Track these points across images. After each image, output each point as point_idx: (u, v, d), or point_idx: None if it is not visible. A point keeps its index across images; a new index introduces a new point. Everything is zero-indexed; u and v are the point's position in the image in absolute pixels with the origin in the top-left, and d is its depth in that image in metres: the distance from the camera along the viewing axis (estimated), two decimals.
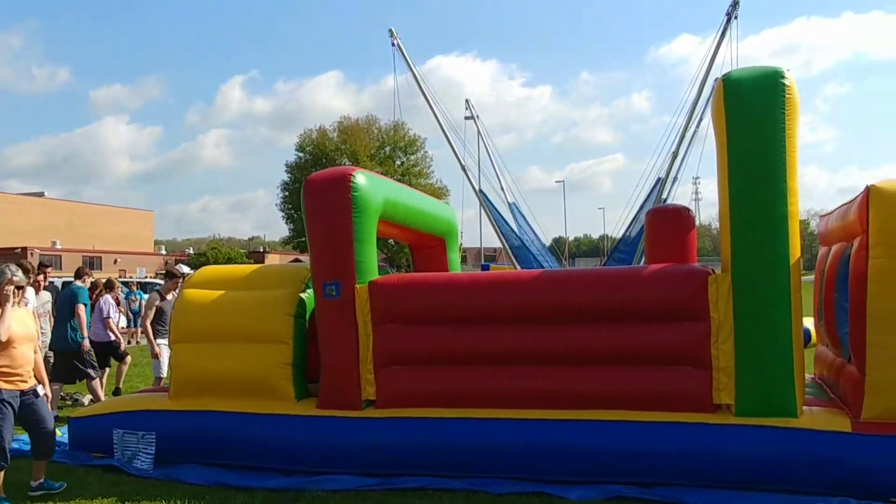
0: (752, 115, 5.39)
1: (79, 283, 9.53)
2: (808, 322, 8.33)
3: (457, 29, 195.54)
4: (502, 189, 30.67)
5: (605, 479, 5.56)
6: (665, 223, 7.30)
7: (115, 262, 58.81)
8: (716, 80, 5.74)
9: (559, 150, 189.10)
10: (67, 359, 9.05)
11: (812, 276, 7.57)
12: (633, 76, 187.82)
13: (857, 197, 5.68)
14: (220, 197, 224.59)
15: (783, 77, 5.40)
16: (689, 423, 5.54)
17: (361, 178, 6.23)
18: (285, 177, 60.59)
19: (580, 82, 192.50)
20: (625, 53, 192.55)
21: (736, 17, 24.29)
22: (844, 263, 5.96)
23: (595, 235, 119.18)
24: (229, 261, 57.11)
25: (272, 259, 68.54)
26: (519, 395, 5.92)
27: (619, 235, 28.06)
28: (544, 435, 5.73)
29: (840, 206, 6.48)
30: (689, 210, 7.42)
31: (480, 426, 5.89)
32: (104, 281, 11.12)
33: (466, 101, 33.16)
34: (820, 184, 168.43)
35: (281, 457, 6.21)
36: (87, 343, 9.10)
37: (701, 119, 24.47)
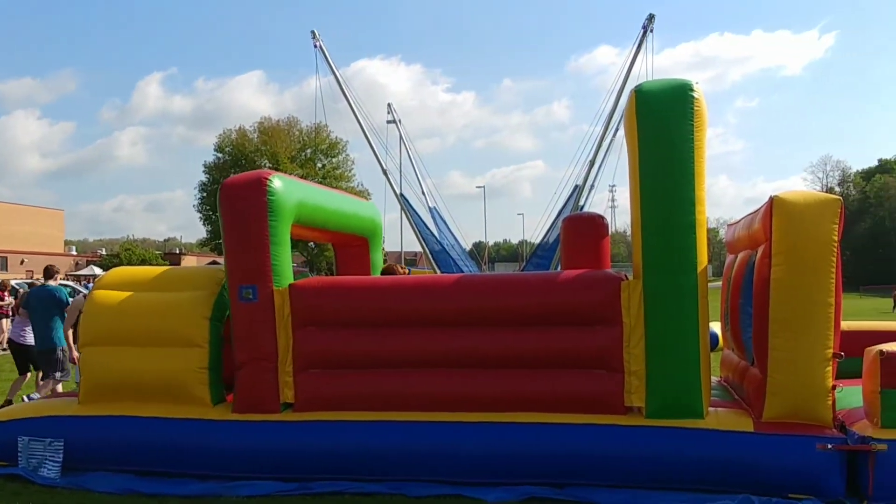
0: (662, 125, 5.56)
1: (52, 283, 9.66)
2: (717, 327, 8.62)
3: (382, 32, 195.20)
4: (423, 193, 30.85)
5: (521, 481, 5.66)
6: (580, 230, 7.46)
7: (22, 262, 56.86)
8: (632, 90, 5.92)
9: (481, 155, 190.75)
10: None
11: (720, 283, 7.85)
12: (554, 84, 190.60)
13: (761, 207, 5.93)
14: (135, 196, 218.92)
15: (692, 90, 5.59)
16: (601, 424, 5.69)
17: (278, 181, 6.22)
18: (203, 177, 59.72)
19: (503, 89, 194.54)
20: (546, 62, 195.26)
21: (651, 31, 25.04)
22: (749, 270, 6.20)
23: (514, 241, 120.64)
24: (143, 262, 55.73)
25: (189, 261, 67.28)
26: (437, 398, 5.97)
27: (538, 241, 28.51)
28: (461, 438, 5.81)
29: (746, 216, 6.74)
30: (602, 217, 7.61)
31: (399, 429, 5.93)
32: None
33: (389, 104, 33.26)
34: (729, 193, 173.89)
35: (196, 462, 6.13)
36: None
37: (617, 129, 25.08)
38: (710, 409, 5.73)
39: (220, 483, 5.92)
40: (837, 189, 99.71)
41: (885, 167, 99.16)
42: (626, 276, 5.88)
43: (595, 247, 7.22)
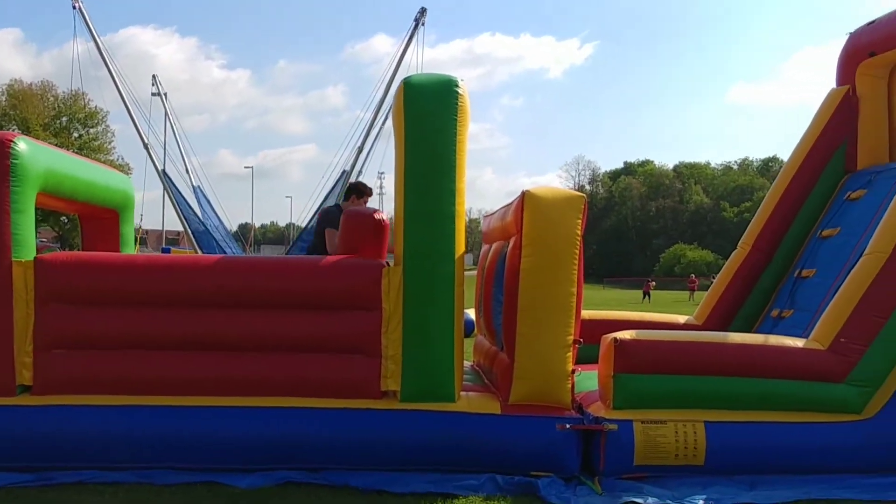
0: (427, 118, 5.73)
1: None
2: (472, 313, 8.97)
3: (158, 1, 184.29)
4: (187, 171, 29.69)
5: (277, 466, 5.63)
6: (356, 217, 7.42)
7: None
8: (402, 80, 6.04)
9: (252, 135, 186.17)
10: None
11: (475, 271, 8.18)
12: (330, 69, 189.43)
13: (514, 200, 6.25)
14: None
15: (457, 86, 5.80)
16: (357, 409, 5.76)
17: (23, 144, 5.75)
18: None
19: (278, 70, 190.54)
20: (324, 47, 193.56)
21: (423, 24, 25.55)
22: (502, 261, 6.52)
23: (282, 223, 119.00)
24: None
25: None
26: (192, 381, 5.81)
27: (304, 225, 28.35)
28: (215, 423, 5.68)
29: (500, 209, 7.08)
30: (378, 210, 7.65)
31: (147, 414, 5.69)
32: None
33: (154, 76, 31.69)
34: (493, 186, 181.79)
35: None
36: None
37: (386, 117, 25.41)
38: (462, 393, 5.97)
39: None
40: (588, 187, 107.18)
41: (629, 169, 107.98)
42: (388, 262, 6.00)
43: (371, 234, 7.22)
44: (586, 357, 6.58)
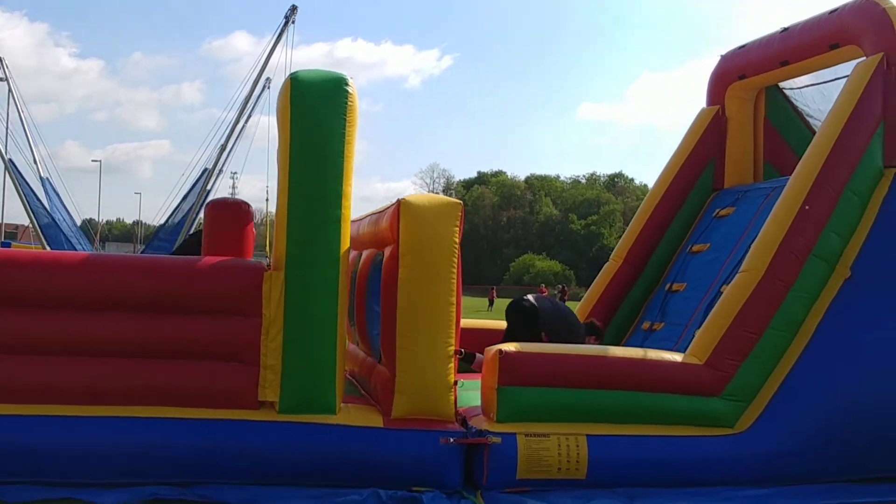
0: (315, 117, 5.50)
1: None
2: None
3: None
4: (35, 162, 27.99)
5: (144, 481, 5.24)
6: (224, 216, 7.11)
7: None
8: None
9: (102, 128, 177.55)
10: None
11: None
12: (186, 65, 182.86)
13: (389, 207, 6.09)
14: None
15: (347, 84, 5.60)
16: (232, 420, 5.44)
17: None
18: None
19: (132, 62, 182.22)
20: (180, 41, 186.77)
21: (293, 23, 25.04)
22: (376, 269, 6.35)
23: (129, 220, 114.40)
24: None
25: None
26: (53, 389, 5.35)
27: (161, 223, 27.22)
28: (76, 434, 5.23)
29: (371, 214, 6.90)
30: (248, 205, 7.35)
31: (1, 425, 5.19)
32: None
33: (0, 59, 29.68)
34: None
35: None
36: None
37: (250, 116, 24.77)
38: (343, 404, 5.74)
39: None
40: (442, 195, 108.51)
41: (482, 179, 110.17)
42: (268, 265, 5.71)
43: (239, 234, 6.93)
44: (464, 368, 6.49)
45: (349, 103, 5.57)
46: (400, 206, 5.72)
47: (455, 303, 5.73)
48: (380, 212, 6.47)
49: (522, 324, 6.99)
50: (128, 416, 5.35)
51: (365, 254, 6.88)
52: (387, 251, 5.94)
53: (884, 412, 6.01)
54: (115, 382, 5.42)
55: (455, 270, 5.72)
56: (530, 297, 7.30)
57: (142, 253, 27.95)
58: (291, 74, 5.69)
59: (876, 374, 6.08)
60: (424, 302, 5.65)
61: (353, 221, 7.57)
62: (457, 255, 5.73)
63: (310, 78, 5.61)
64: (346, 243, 5.65)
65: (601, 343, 7.51)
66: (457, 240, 5.73)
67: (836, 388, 6.03)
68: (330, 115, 5.50)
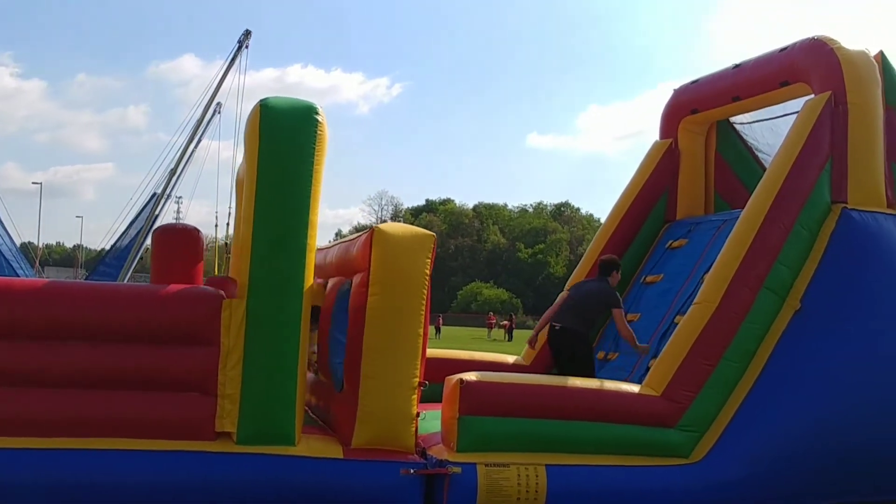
0: (286, 145, 5.47)
1: None
2: None
3: None
4: None
5: None
6: (174, 242, 7.02)
7: None
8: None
9: (43, 150, 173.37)
10: None
11: None
12: (132, 88, 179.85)
13: (360, 236, 6.07)
14: None
15: (317, 113, 5.58)
16: (188, 451, 5.32)
17: None
18: None
19: (76, 84, 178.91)
20: (125, 63, 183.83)
21: (247, 47, 24.92)
22: (342, 298, 6.30)
23: (69, 244, 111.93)
24: None
25: None
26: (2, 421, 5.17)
27: (107, 248, 26.70)
28: (27, 467, 5.07)
29: (339, 242, 6.87)
30: (198, 230, 7.27)
31: None
32: None
33: None
34: None
35: None
36: None
37: (200, 140, 24.51)
38: (302, 435, 5.67)
39: None
40: (390, 222, 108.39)
41: (430, 207, 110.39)
42: (224, 294, 5.62)
43: (190, 261, 6.84)
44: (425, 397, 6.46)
45: (319, 132, 5.55)
46: (373, 234, 5.69)
47: (423, 334, 5.72)
48: (350, 240, 6.43)
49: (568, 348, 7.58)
50: (80, 447, 5.20)
51: (331, 282, 6.82)
52: (356, 279, 5.89)
53: (833, 440, 6.16)
54: (66, 414, 5.27)
55: (425, 302, 5.71)
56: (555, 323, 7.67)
57: (86, 279, 27.37)
58: (261, 101, 5.62)
59: (825, 404, 6.23)
60: (393, 331, 5.62)
61: (318, 250, 7.55)
62: (427, 287, 5.72)
63: (280, 105, 5.57)
64: (310, 273, 5.61)
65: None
66: (428, 271, 5.72)
67: (787, 418, 6.16)
68: (299, 144, 5.47)
